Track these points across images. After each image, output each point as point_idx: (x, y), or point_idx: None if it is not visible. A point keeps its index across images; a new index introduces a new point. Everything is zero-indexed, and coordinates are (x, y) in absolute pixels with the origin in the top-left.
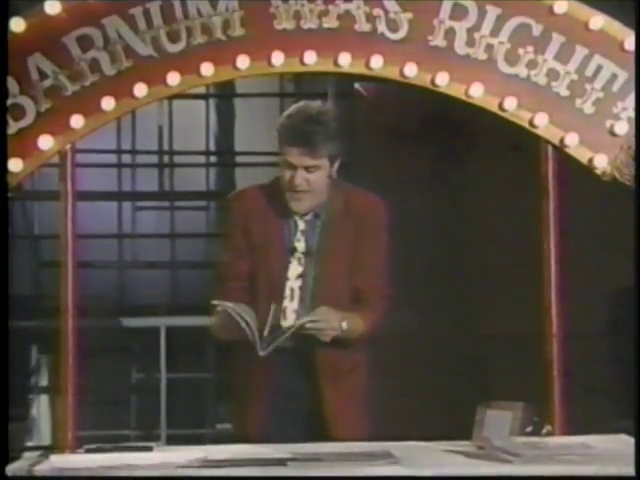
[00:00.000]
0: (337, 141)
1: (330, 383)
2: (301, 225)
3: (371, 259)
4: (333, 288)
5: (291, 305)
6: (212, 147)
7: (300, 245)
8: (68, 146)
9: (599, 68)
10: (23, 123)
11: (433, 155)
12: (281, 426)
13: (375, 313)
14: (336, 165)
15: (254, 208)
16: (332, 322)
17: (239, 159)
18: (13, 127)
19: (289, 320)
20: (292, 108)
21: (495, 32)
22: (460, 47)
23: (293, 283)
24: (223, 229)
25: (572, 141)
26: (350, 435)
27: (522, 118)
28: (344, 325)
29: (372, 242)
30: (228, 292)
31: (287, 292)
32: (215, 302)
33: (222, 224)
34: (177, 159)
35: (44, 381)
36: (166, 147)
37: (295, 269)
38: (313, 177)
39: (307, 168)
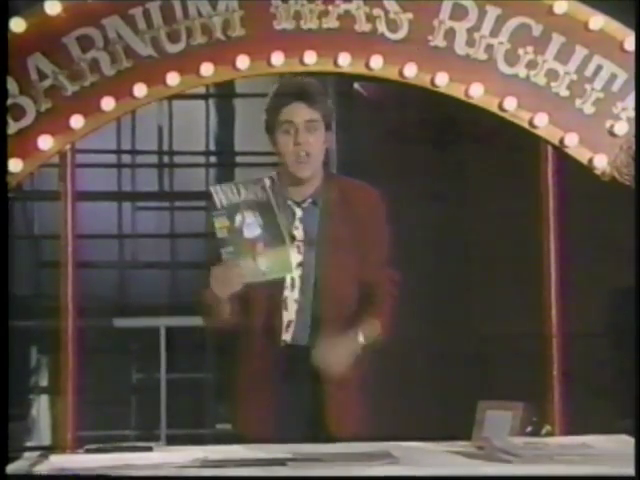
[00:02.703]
0: (328, 100)
1: (332, 382)
2: (299, 213)
3: (375, 251)
4: (335, 276)
5: (292, 295)
6: (212, 147)
7: (299, 233)
8: (68, 146)
9: (599, 68)
10: (23, 123)
11: (433, 155)
12: (282, 427)
13: (388, 309)
14: (331, 136)
15: None
16: (344, 349)
17: (239, 159)
18: (13, 127)
19: (290, 311)
20: (273, 85)
21: (495, 32)
22: (460, 47)
23: (293, 272)
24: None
25: (572, 141)
26: (352, 435)
27: (522, 118)
28: (361, 338)
29: (373, 233)
30: None
31: (287, 282)
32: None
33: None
34: (177, 159)
35: (44, 381)
36: (166, 147)
37: (294, 258)
38: (312, 139)
39: (307, 127)
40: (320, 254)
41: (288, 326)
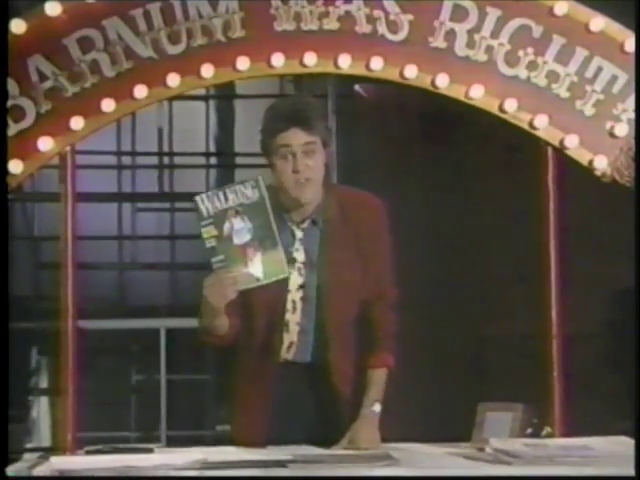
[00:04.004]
0: (325, 121)
1: (332, 386)
2: (299, 234)
3: (377, 265)
4: (337, 298)
5: (293, 317)
6: (212, 148)
7: (299, 255)
8: (68, 147)
9: (599, 70)
10: (23, 125)
11: (433, 157)
12: (282, 431)
13: (390, 346)
14: (330, 152)
15: None
16: (373, 429)
17: (239, 160)
18: (13, 129)
19: (292, 333)
20: (269, 106)
21: (495, 33)
22: (460, 49)
23: (294, 295)
24: None
25: (572, 143)
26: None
27: (522, 120)
28: (377, 408)
29: (375, 247)
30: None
31: (289, 305)
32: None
33: None
34: (177, 160)
35: (44, 382)
36: (166, 148)
37: (296, 280)
38: (312, 162)
39: (305, 151)
40: (321, 275)
41: (289, 347)
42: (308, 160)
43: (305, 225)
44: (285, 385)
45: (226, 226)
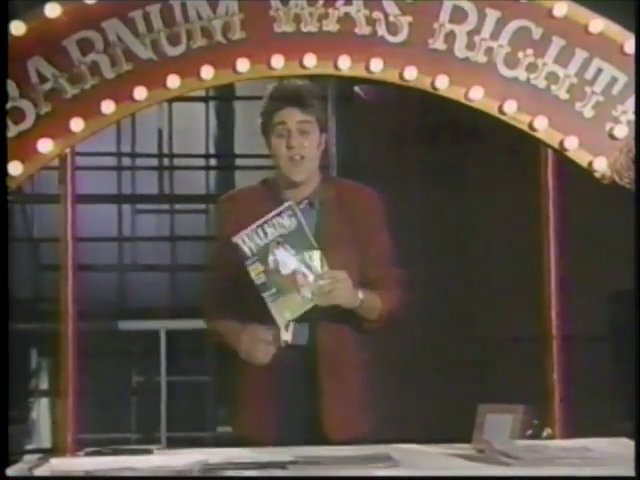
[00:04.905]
0: (322, 103)
1: (333, 384)
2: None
3: (375, 251)
4: None
5: None
6: (212, 150)
7: None
8: (68, 149)
9: (599, 71)
10: (23, 126)
11: (433, 158)
12: (282, 429)
13: (393, 294)
14: (326, 138)
15: (247, 208)
16: (349, 286)
17: (239, 162)
18: (13, 130)
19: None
20: (269, 88)
21: (495, 35)
22: (460, 50)
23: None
24: (216, 232)
25: (572, 144)
26: (351, 437)
27: (522, 121)
28: (360, 294)
29: (372, 234)
30: (225, 295)
31: None
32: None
33: (214, 227)
34: (177, 162)
35: (44, 384)
36: (166, 150)
37: None
38: (307, 142)
39: (300, 129)
40: None
41: (287, 326)
42: (303, 139)
43: (302, 206)
44: (285, 369)
45: (270, 259)
